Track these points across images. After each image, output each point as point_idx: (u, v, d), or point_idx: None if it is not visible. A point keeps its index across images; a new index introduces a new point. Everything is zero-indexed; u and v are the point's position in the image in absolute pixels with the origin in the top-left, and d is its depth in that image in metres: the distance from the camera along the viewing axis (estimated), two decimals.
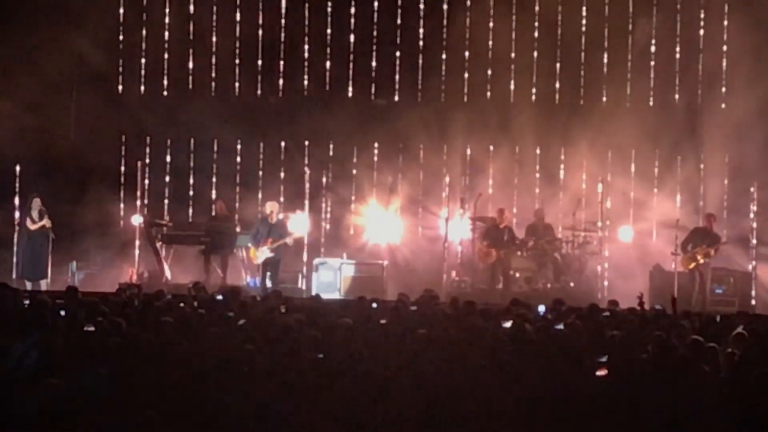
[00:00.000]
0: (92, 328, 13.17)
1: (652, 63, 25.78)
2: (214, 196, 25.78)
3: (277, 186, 26.08)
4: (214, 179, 26.36)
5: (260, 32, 26.37)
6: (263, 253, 22.37)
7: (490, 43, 26.02)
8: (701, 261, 22.30)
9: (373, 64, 26.33)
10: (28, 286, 22.06)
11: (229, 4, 26.28)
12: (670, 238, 22.96)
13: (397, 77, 26.32)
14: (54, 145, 25.09)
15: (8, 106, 23.94)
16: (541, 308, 15.85)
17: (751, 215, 25.11)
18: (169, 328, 13.08)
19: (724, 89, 25.56)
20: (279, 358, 11.23)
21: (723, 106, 25.36)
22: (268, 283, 22.03)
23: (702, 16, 25.58)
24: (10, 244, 24.51)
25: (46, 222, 22.48)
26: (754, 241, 25.01)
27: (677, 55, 25.66)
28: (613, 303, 17.00)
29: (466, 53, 26.11)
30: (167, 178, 26.21)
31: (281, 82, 26.46)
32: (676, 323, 14.67)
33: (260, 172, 26.37)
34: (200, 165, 26.43)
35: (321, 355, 11.10)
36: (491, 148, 25.73)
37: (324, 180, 25.98)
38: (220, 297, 16.38)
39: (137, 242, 23.57)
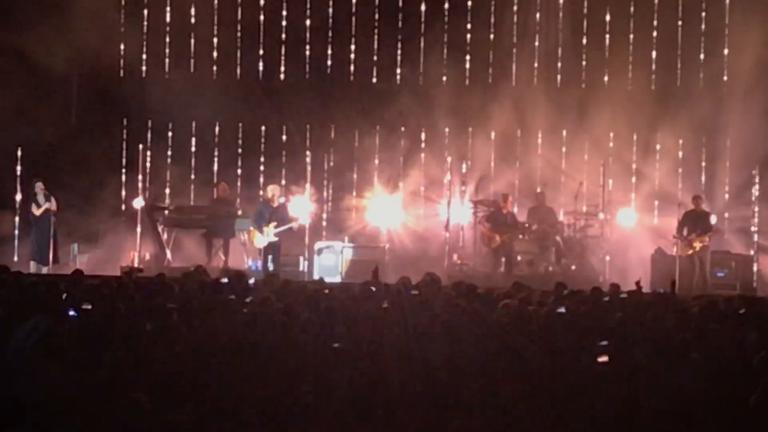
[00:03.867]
0: (89, 307, 13.18)
1: (654, 47, 25.77)
2: (215, 179, 25.77)
3: (279, 169, 26.08)
4: (215, 162, 26.37)
5: (261, 15, 26.34)
6: (266, 237, 22.42)
7: (492, 26, 26.00)
8: (698, 248, 22.39)
9: (375, 47, 26.31)
10: (32, 268, 22.08)
11: None
12: (672, 222, 22.99)
13: (398, 60, 26.30)
14: (56, 128, 25.08)
15: (10, 90, 23.93)
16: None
17: (753, 199, 25.08)
18: (171, 311, 13.08)
19: (725, 74, 25.55)
20: (280, 342, 11.23)
21: (724, 89, 25.35)
22: (271, 267, 22.07)
23: None
24: (12, 228, 24.53)
25: (50, 205, 22.49)
26: (756, 226, 25.00)
27: (678, 40, 25.64)
28: (614, 286, 17.00)
29: (468, 36, 26.09)
30: (169, 162, 26.21)
31: (282, 65, 26.45)
32: (677, 306, 14.69)
33: (261, 156, 26.37)
34: (202, 148, 26.43)
35: (336, 344, 11.07)
36: (493, 131, 25.72)
37: (325, 164, 26.00)
38: (225, 280, 16.35)
39: (139, 226, 23.56)
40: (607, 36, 25.84)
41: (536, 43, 26.00)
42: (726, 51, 25.47)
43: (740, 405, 9.63)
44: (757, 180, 25.11)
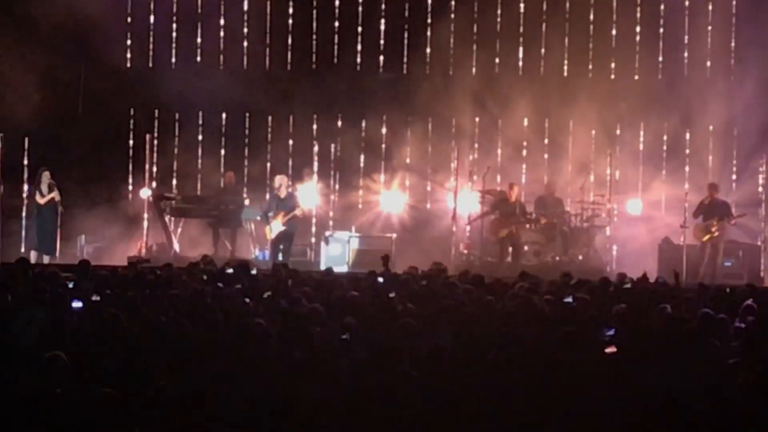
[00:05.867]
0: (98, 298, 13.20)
1: (661, 35, 25.74)
2: (222, 169, 25.79)
3: (286, 159, 26.09)
4: (222, 152, 26.38)
5: (268, 4, 26.32)
6: (275, 228, 22.45)
7: (499, 15, 25.97)
8: (716, 234, 22.28)
9: (381, 36, 26.29)
10: (33, 258, 22.07)
11: None
12: (679, 211, 22.95)
13: (405, 50, 26.28)
14: (63, 118, 25.11)
15: (17, 79, 23.93)
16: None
17: (760, 189, 25.06)
18: (179, 301, 13.09)
19: (732, 62, 25.52)
20: (288, 332, 11.24)
21: (732, 78, 25.31)
22: (281, 257, 22.08)
23: None
24: (19, 217, 24.57)
25: (55, 195, 22.51)
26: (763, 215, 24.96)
27: (686, 28, 25.60)
28: (621, 276, 16.98)
29: (475, 26, 26.05)
30: (176, 151, 26.21)
31: (289, 54, 26.43)
32: (684, 296, 14.67)
33: (269, 146, 26.37)
34: (208, 138, 26.43)
35: (345, 336, 11.08)
36: (500, 121, 25.70)
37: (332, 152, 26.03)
38: (230, 270, 16.36)
39: (146, 215, 23.60)
40: (614, 25, 25.79)
41: (543, 32, 25.95)
42: (733, 40, 25.42)
43: (747, 394, 9.63)
44: (763, 168, 25.08)
